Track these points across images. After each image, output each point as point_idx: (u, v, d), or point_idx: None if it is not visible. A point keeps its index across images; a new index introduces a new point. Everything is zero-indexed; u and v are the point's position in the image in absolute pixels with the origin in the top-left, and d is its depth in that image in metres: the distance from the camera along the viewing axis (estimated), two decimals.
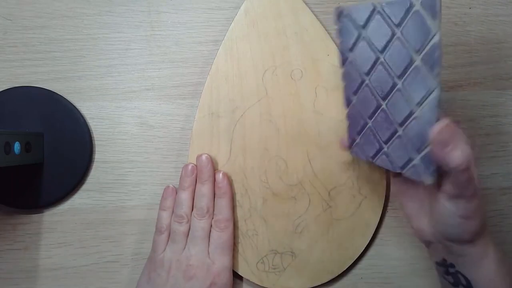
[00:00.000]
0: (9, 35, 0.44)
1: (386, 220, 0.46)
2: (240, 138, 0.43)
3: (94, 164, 0.45)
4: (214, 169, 0.43)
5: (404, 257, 0.46)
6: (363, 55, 0.33)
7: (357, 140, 0.37)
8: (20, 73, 0.44)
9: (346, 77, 0.36)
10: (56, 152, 0.43)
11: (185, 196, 0.42)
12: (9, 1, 0.44)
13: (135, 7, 0.45)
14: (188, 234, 0.41)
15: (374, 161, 0.36)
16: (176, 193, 0.43)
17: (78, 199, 0.44)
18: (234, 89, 0.43)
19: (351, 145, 0.39)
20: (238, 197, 0.43)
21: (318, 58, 0.43)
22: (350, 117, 0.38)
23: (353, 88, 0.36)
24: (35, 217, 0.44)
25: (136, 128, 0.45)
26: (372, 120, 0.35)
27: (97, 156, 0.45)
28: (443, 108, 0.37)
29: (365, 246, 0.44)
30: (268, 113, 0.43)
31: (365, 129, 0.36)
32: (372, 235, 0.44)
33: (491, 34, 0.46)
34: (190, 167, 0.42)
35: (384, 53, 0.32)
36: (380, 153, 0.35)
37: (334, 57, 0.43)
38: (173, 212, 0.42)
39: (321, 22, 0.44)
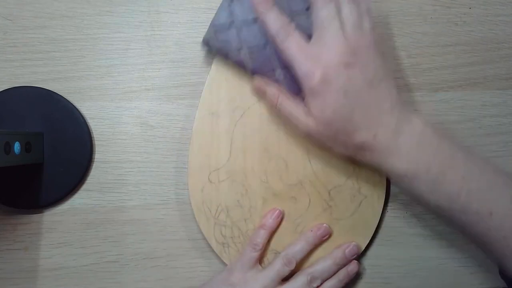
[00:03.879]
0: (9, 35, 0.44)
1: (386, 220, 0.46)
2: (240, 138, 0.43)
3: (94, 164, 0.45)
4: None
5: (404, 257, 0.46)
6: None
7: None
8: (20, 73, 0.44)
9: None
10: (56, 152, 0.43)
11: (300, 247, 0.42)
12: (9, 1, 0.44)
13: (135, 7, 0.45)
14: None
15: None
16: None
17: (78, 199, 0.44)
18: (234, 89, 0.43)
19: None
20: (238, 197, 0.43)
21: None
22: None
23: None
24: (35, 217, 0.44)
25: (136, 128, 0.45)
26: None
27: (97, 156, 0.45)
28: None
29: (365, 246, 0.44)
30: (268, 113, 0.43)
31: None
32: (372, 235, 0.44)
33: (491, 34, 0.46)
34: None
35: None
36: None
37: None
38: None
39: None
